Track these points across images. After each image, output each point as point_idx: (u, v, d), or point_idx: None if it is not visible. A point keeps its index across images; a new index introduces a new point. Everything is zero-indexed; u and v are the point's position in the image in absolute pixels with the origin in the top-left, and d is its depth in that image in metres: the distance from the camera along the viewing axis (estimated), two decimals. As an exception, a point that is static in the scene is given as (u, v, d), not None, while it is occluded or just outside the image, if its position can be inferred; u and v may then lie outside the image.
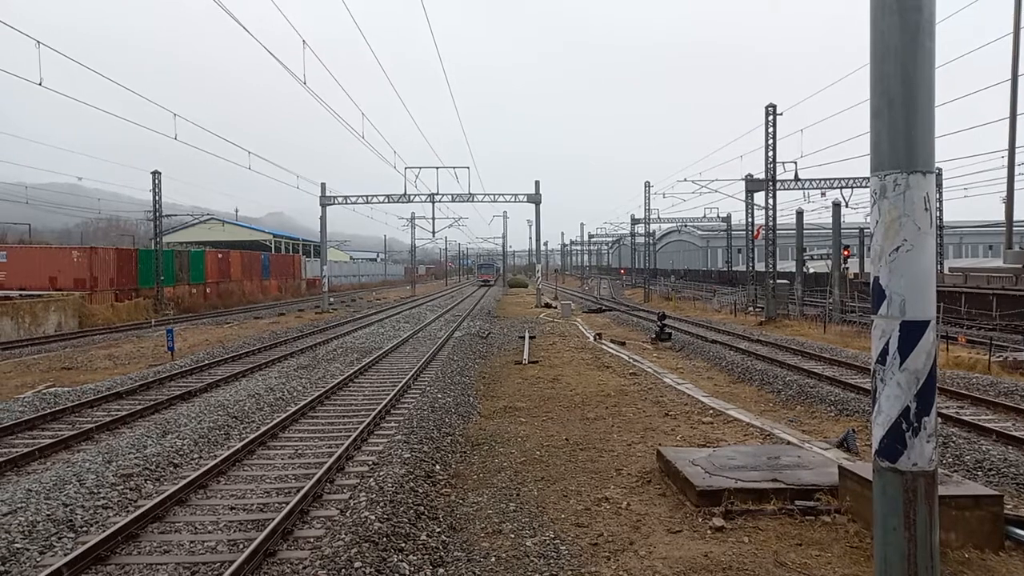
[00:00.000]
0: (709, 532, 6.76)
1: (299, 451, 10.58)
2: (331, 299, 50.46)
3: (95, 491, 8.38)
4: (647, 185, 60.36)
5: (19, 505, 7.72)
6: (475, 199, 46.08)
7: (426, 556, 6.53)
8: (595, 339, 26.37)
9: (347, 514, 7.49)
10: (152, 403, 13.91)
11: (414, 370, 17.64)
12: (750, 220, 43.04)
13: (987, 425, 12.15)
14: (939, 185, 41.02)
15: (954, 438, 11.44)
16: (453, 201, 47.70)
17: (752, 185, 40.88)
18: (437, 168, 43.89)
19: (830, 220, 38.75)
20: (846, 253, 39.14)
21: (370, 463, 9.63)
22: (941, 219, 43.22)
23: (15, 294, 33.64)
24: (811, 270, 49.20)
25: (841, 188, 39.87)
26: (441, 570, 6.28)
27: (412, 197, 45.43)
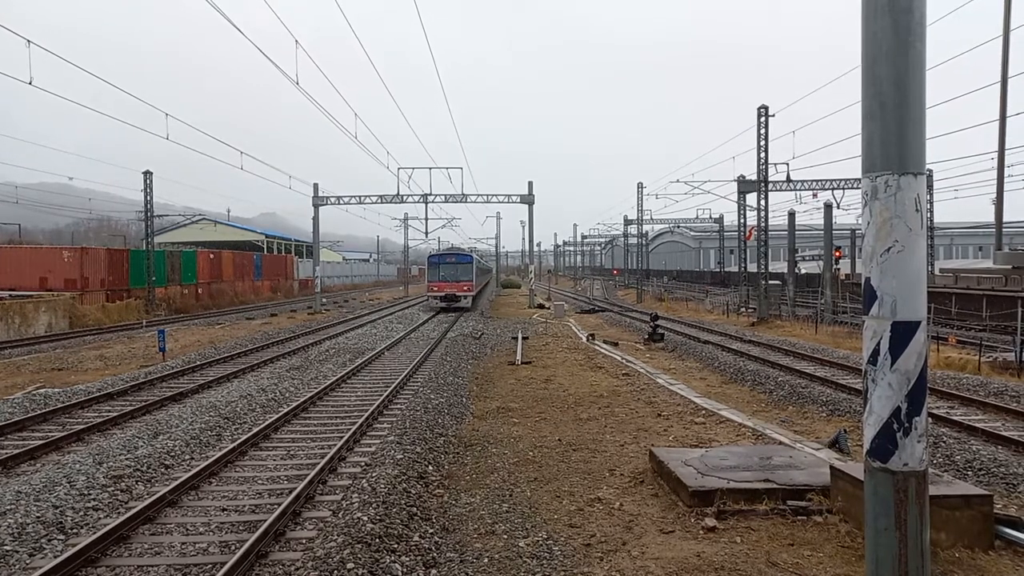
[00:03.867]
0: (701, 532, 6.77)
1: (291, 452, 10.55)
2: (324, 300, 50.35)
3: (85, 493, 8.33)
4: (640, 186, 60.52)
5: (8, 507, 7.67)
6: (468, 199, 46.10)
7: (419, 557, 6.52)
8: (588, 340, 26.39)
9: (340, 515, 7.47)
10: (143, 404, 13.85)
11: (407, 371, 17.62)
12: (742, 221, 43.16)
13: (977, 425, 12.22)
14: (930, 187, 41.27)
15: (944, 438, 11.50)
16: (446, 201, 47.74)
17: (744, 186, 41.02)
18: (430, 168, 43.82)
19: (822, 221, 38.90)
20: (837, 254, 39.30)
21: (363, 464, 9.61)
22: (932, 220, 43.48)
23: (5, 294, 33.42)
24: (803, 271, 49.40)
25: (833, 189, 40.06)
26: (434, 571, 6.27)
27: (405, 197, 45.39)
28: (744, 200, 42.12)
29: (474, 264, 44.52)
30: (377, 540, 6.66)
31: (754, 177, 38.14)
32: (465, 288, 42.47)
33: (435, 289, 42.62)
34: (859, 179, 4.27)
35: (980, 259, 70.51)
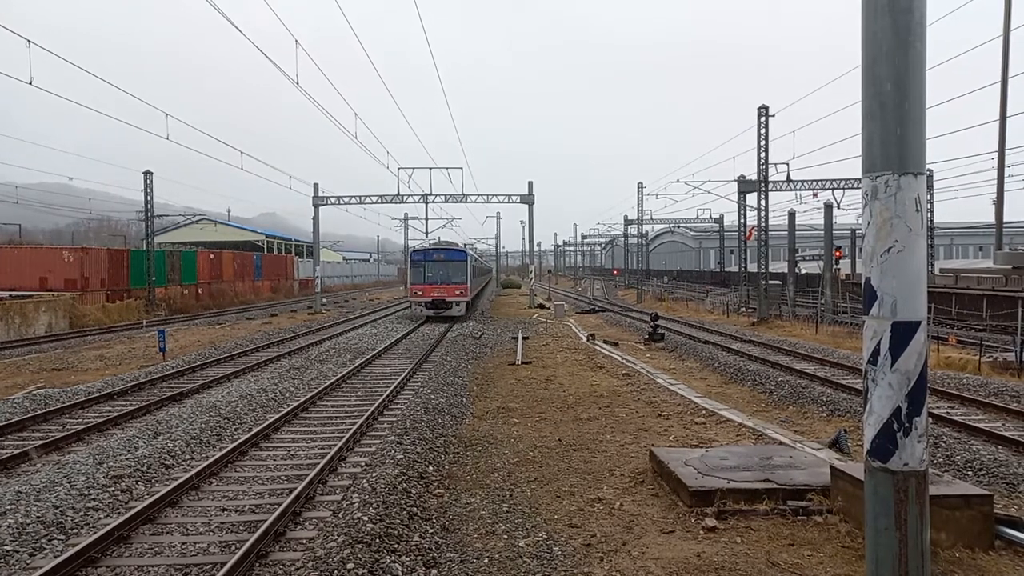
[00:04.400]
0: (702, 532, 6.77)
1: (291, 452, 10.55)
2: (324, 300, 50.34)
3: (86, 493, 8.33)
4: (640, 186, 60.51)
5: (8, 507, 7.67)
6: (468, 199, 46.09)
7: (419, 557, 6.52)
8: (588, 340, 26.39)
9: (340, 515, 7.47)
10: (143, 404, 13.85)
11: (407, 371, 17.62)
12: (742, 221, 43.16)
13: (977, 425, 12.22)
14: (930, 187, 41.25)
15: (945, 438, 11.50)
16: (446, 201, 47.74)
17: (744, 186, 41.02)
18: (430, 168, 43.85)
19: (822, 221, 38.90)
20: (838, 254, 39.30)
21: (363, 464, 9.61)
22: (932, 220, 43.46)
23: (5, 295, 33.41)
24: (803, 271, 49.39)
25: (833, 189, 40.05)
26: (434, 571, 6.27)
27: (405, 197, 45.38)
28: (744, 200, 42.12)
29: (468, 262, 36.02)
30: (377, 540, 6.66)
31: (754, 177, 38.14)
32: (457, 292, 34.47)
33: (419, 293, 34.55)
34: (859, 179, 4.27)
35: (980, 259, 70.52)
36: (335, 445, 10.33)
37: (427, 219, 53.72)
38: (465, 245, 50.09)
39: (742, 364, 20.51)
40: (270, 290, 63.59)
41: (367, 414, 12.41)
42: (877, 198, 4.02)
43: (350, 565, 6.07)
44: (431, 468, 9.43)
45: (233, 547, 6.85)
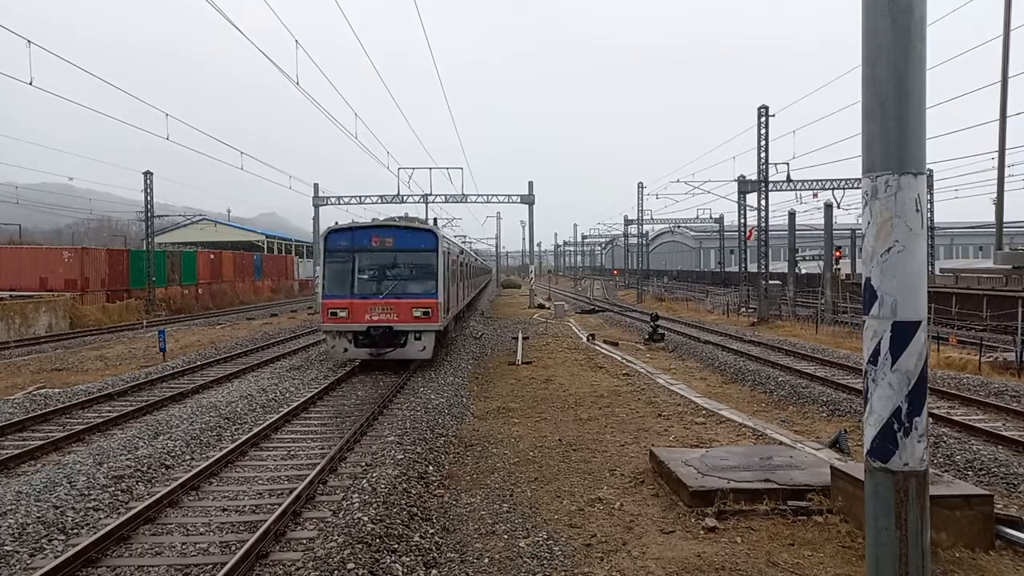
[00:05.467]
0: (702, 532, 6.77)
1: (292, 452, 10.55)
2: (324, 300, 50.23)
3: (86, 493, 8.33)
4: (640, 186, 60.53)
5: (8, 507, 7.67)
6: (468, 200, 46.11)
7: (419, 557, 6.52)
8: (588, 340, 26.39)
9: (340, 515, 7.47)
10: (143, 404, 13.85)
11: (407, 371, 17.60)
12: (742, 221, 43.16)
13: (977, 425, 12.22)
14: (930, 186, 41.26)
15: (945, 438, 11.50)
16: (447, 202, 47.74)
17: (744, 186, 41.03)
18: (430, 169, 43.77)
19: (822, 221, 38.89)
20: (838, 254, 39.29)
21: (363, 464, 9.61)
22: (932, 220, 43.46)
23: (5, 295, 33.39)
24: (803, 271, 49.39)
25: (833, 189, 40.05)
26: (434, 571, 6.28)
27: (405, 198, 45.39)
28: (744, 200, 42.13)
29: (441, 252, 18.12)
30: (377, 540, 6.66)
31: (754, 177, 38.16)
32: (418, 313, 17.52)
33: (339, 314, 17.57)
34: (859, 179, 4.27)
35: (980, 259, 70.53)
36: (335, 445, 10.33)
37: (427, 219, 53.74)
38: (435, 220, 33.01)
39: (742, 364, 20.50)
40: (270, 290, 63.58)
41: (367, 414, 12.41)
42: (877, 198, 4.01)
43: (350, 565, 6.07)
44: (431, 468, 9.43)
45: (233, 547, 6.85)
